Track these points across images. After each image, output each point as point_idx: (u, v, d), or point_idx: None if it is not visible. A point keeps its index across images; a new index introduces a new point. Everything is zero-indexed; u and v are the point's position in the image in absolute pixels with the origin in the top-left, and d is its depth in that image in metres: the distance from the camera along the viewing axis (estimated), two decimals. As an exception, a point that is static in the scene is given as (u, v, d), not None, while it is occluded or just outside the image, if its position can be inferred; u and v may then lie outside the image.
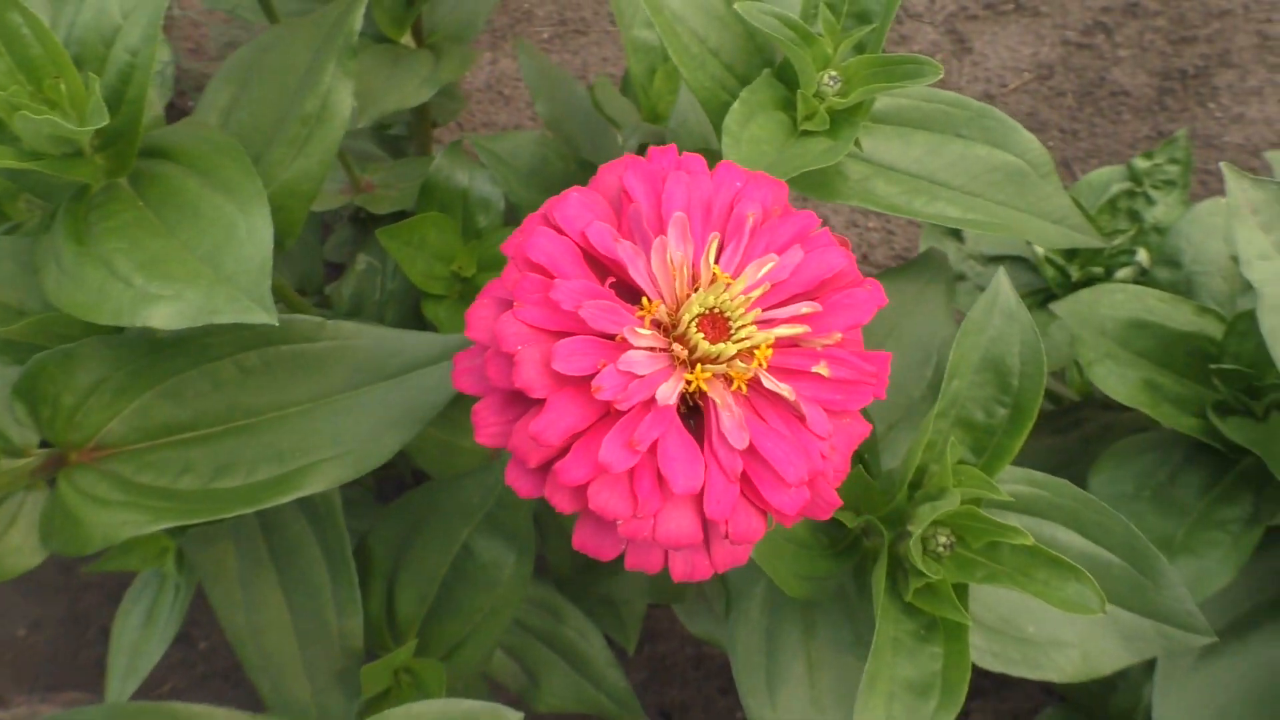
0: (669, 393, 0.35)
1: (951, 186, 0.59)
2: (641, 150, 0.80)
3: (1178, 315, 0.66)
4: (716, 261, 0.37)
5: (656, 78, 0.80)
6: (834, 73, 0.52)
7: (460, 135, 0.75)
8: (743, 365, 0.36)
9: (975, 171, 0.59)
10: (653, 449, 0.35)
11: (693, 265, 0.37)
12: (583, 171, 0.75)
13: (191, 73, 1.25)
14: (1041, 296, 0.85)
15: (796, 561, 0.52)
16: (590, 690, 0.77)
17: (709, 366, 0.36)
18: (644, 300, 0.36)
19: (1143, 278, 0.77)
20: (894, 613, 0.51)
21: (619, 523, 0.35)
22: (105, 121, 0.42)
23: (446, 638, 0.64)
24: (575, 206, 0.37)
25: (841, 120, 0.53)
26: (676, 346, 0.36)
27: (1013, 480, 0.56)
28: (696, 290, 0.37)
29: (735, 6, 0.49)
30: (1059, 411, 0.85)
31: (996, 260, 0.89)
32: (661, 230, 0.37)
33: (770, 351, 0.37)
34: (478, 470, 0.60)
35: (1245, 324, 0.64)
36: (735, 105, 0.50)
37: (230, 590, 0.63)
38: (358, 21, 0.54)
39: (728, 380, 0.37)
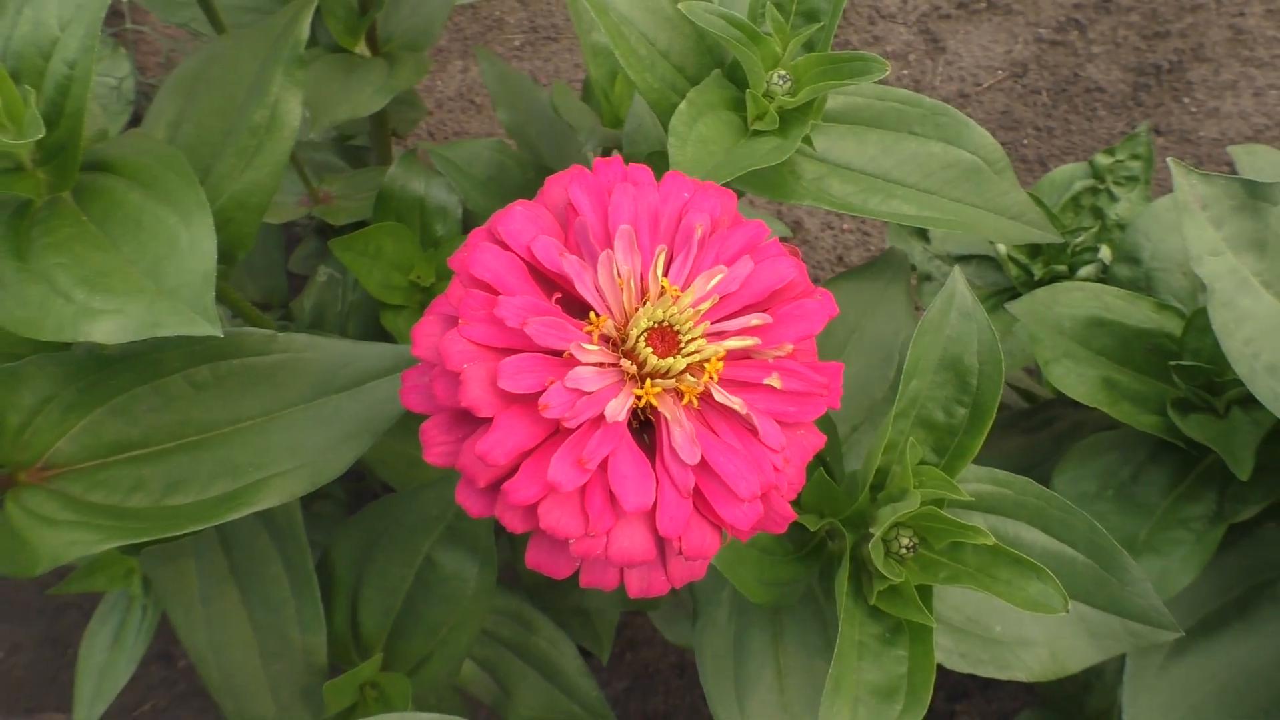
0: (618, 409, 0.35)
1: (906, 184, 0.59)
2: (607, 154, 0.79)
3: (1136, 312, 0.66)
4: (665, 274, 0.37)
5: (617, 83, 0.79)
6: (783, 72, 0.52)
7: (431, 145, 0.75)
8: (693, 379, 0.36)
9: (930, 169, 0.59)
10: (603, 466, 0.35)
11: (641, 278, 0.37)
12: (542, 179, 0.75)
13: (159, 87, 1.24)
14: (1007, 295, 0.85)
15: (760, 567, 0.51)
16: (563, 701, 0.76)
17: (659, 381, 0.36)
18: (591, 315, 0.36)
19: (1103, 275, 0.77)
20: (858, 616, 0.51)
21: (571, 542, 0.35)
22: (41, 134, 0.42)
23: (412, 652, 0.63)
24: (520, 221, 0.37)
25: (792, 119, 0.53)
26: (625, 362, 0.36)
27: (976, 479, 0.55)
28: (645, 304, 0.36)
29: (680, 6, 0.49)
30: (1031, 410, 0.85)
31: (963, 260, 0.89)
32: (608, 243, 0.37)
33: (721, 365, 0.36)
34: (436, 482, 0.60)
35: (1204, 320, 0.63)
36: (682, 106, 0.50)
37: (191, 608, 0.62)
38: (304, 30, 0.54)
39: (678, 394, 0.36)
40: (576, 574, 0.38)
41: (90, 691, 0.78)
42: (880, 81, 0.59)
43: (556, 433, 0.35)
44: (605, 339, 0.36)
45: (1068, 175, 0.84)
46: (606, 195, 0.37)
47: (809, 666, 0.58)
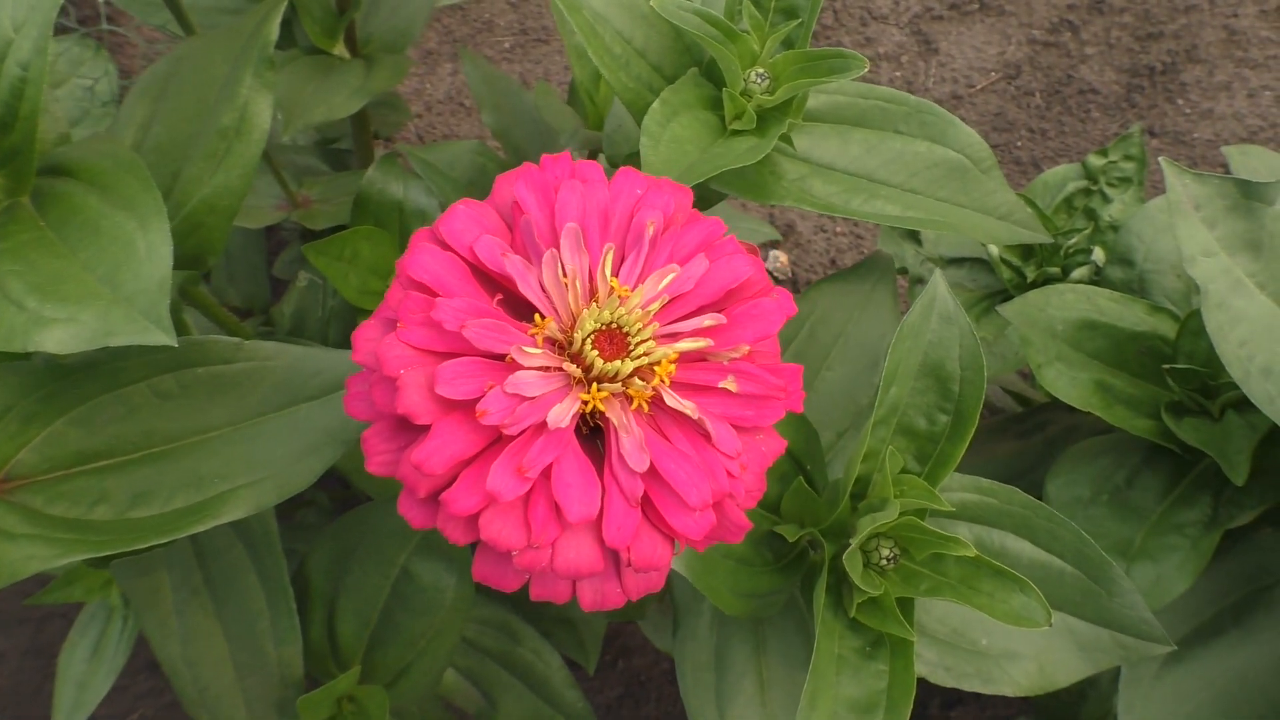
0: (562, 415, 0.33)
1: (891, 184, 0.57)
2: (592, 157, 0.78)
3: (1130, 315, 0.64)
4: (615, 274, 0.36)
5: (601, 84, 0.78)
6: (761, 70, 0.51)
7: (410, 147, 0.74)
8: (642, 383, 0.35)
9: (915, 168, 0.58)
10: (546, 474, 0.33)
11: (589, 278, 0.36)
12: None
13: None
14: (999, 298, 0.83)
15: (735, 578, 0.50)
16: (548, 712, 0.75)
17: (606, 385, 0.34)
18: (536, 317, 0.35)
19: (1097, 277, 0.75)
20: (837, 629, 0.49)
21: (515, 554, 0.34)
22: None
23: (390, 664, 0.62)
24: (463, 220, 0.36)
25: (770, 119, 0.51)
26: (571, 365, 0.34)
27: (960, 488, 0.54)
28: (593, 305, 0.35)
29: (652, 3, 0.48)
30: (1023, 414, 0.84)
31: (955, 262, 0.88)
32: (555, 243, 0.35)
33: (673, 368, 0.35)
34: (411, 491, 0.58)
35: (1198, 322, 0.62)
36: (655, 105, 0.49)
37: (165, 621, 0.61)
38: (274, 31, 0.53)
39: (627, 399, 0.35)
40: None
41: (69, 703, 0.77)
42: (867, 81, 0.58)
43: (498, 441, 0.33)
44: (550, 342, 0.35)
45: (1061, 176, 0.83)
46: (553, 192, 0.36)
47: (792, 679, 0.56)
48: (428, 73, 1.39)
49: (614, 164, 0.65)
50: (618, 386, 0.34)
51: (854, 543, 0.46)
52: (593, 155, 0.81)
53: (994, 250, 0.80)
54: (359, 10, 0.72)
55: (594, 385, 0.34)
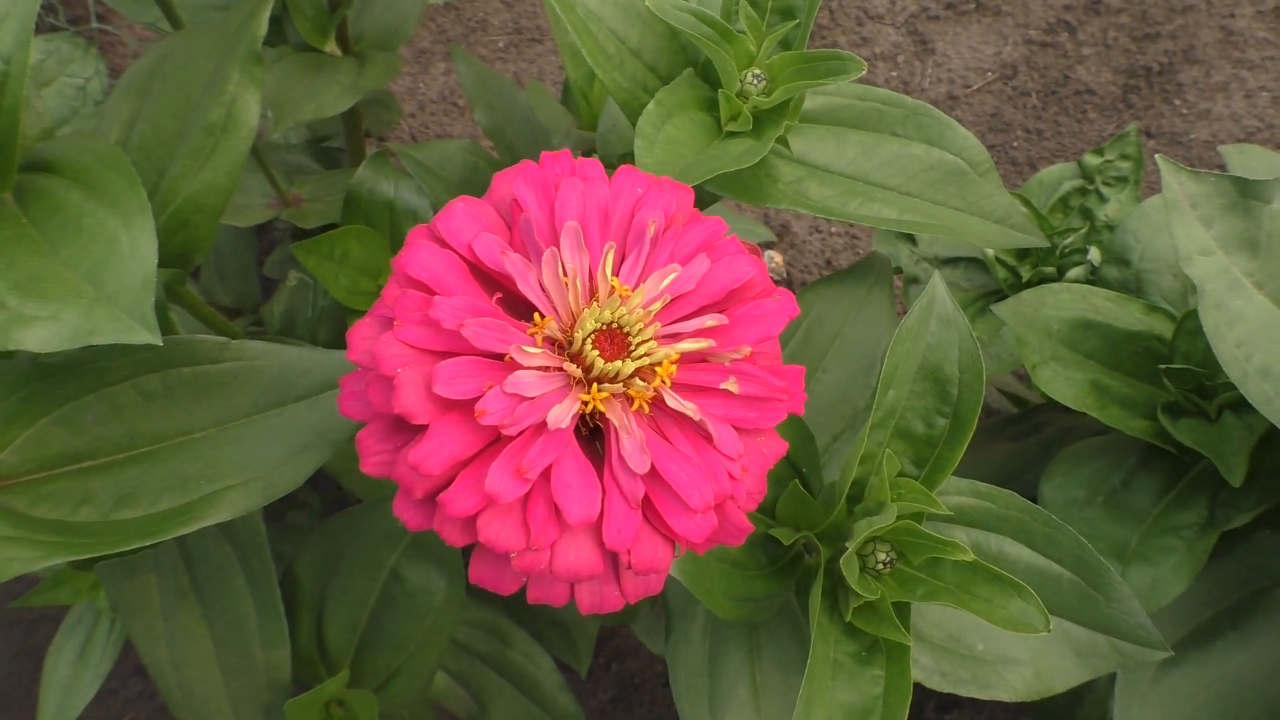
0: (562, 415, 0.33)
1: (888, 187, 0.57)
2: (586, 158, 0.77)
3: (1125, 314, 0.64)
4: (615, 273, 0.35)
5: (596, 84, 0.78)
6: (758, 71, 0.50)
7: (401, 146, 0.73)
8: (643, 384, 0.34)
9: (912, 171, 0.57)
10: (546, 476, 0.33)
11: (589, 278, 0.35)
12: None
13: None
14: (995, 298, 0.83)
15: (729, 582, 0.49)
16: (540, 715, 0.75)
17: (606, 386, 0.34)
18: (535, 317, 0.34)
19: (1093, 277, 0.75)
20: (834, 634, 0.49)
21: (513, 556, 0.33)
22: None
23: (380, 668, 0.61)
24: (461, 218, 0.35)
25: (767, 120, 0.51)
26: (571, 365, 0.34)
27: (957, 492, 0.53)
28: (593, 305, 0.35)
29: (647, 3, 0.47)
30: (1019, 415, 0.83)
31: (951, 262, 0.87)
32: (555, 241, 0.35)
33: (674, 368, 0.34)
34: (401, 493, 0.58)
35: (1195, 322, 0.62)
36: (650, 106, 0.48)
37: (151, 623, 0.60)
38: (262, 26, 0.52)
39: (628, 400, 0.34)
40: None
41: (55, 707, 0.76)
42: (863, 81, 0.57)
43: (497, 441, 0.33)
44: (550, 341, 0.34)
45: (1056, 176, 0.82)
46: (553, 190, 0.35)
47: (786, 685, 0.56)
48: (421, 72, 1.38)
49: (608, 164, 0.64)
50: (618, 387, 0.34)
51: (850, 547, 0.46)
52: (586, 155, 0.80)
53: (990, 250, 0.80)
54: (351, 7, 0.71)
55: (594, 386, 0.33)
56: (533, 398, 0.33)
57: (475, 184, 0.69)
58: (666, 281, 0.35)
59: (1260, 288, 0.55)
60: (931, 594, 0.47)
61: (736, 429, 0.35)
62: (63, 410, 0.47)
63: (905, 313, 0.55)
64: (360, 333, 0.35)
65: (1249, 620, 0.63)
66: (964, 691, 0.52)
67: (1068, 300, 0.65)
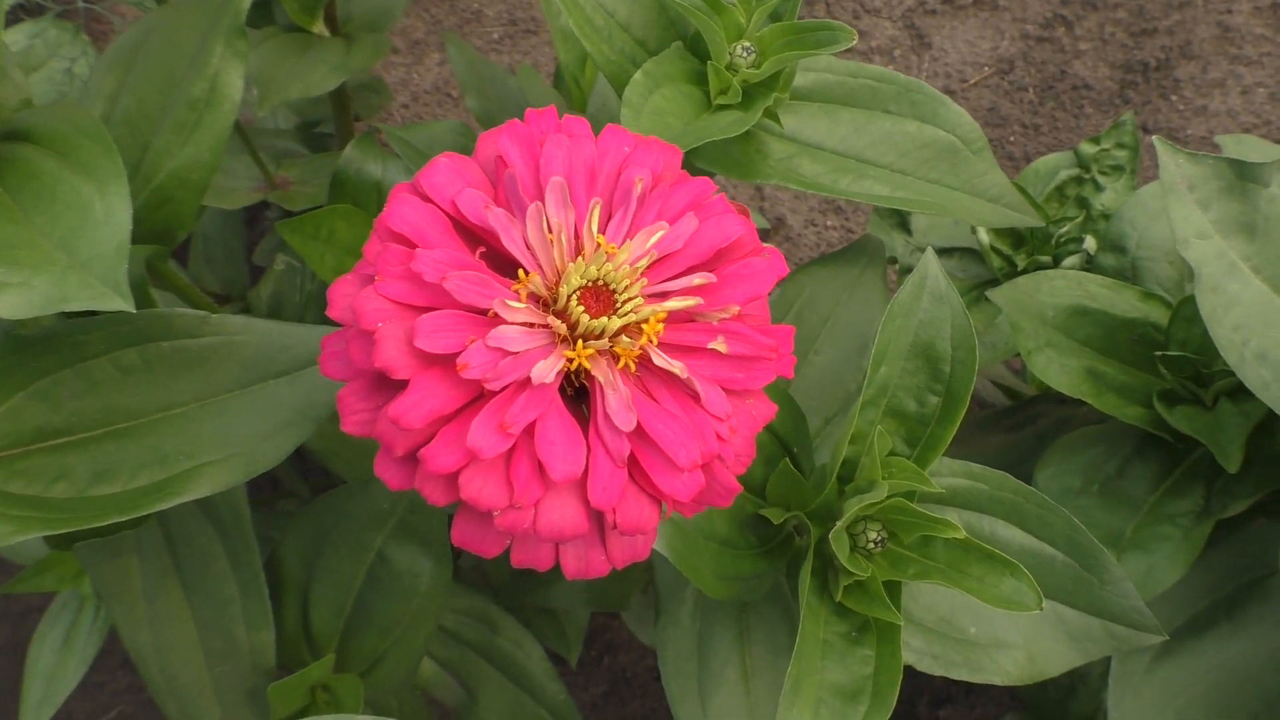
0: (546, 371, 0.32)
1: (880, 165, 0.56)
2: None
3: (1121, 301, 0.63)
4: (601, 230, 0.35)
5: (587, 68, 0.77)
6: (748, 43, 0.50)
7: (389, 127, 0.72)
8: (628, 341, 0.33)
9: (905, 149, 0.57)
10: (529, 432, 0.32)
11: (574, 234, 0.34)
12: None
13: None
14: (990, 288, 0.82)
15: (718, 561, 0.48)
16: (529, 704, 0.74)
17: (592, 343, 0.33)
18: (520, 273, 0.33)
19: (1088, 265, 0.74)
20: (823, 614, 0.48)
21: (496, 514, 0.32)
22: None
23: (366, 652, 0.60)
24: (445, 173, 0.35)
25: (756, 94, 0.50)
26: (556, 321, 0.33)
27: (950, 473, 0.53)
28: (578, 261, 0.34)
29: (634, -28, 0.46)
30: (1013, 408, 0.83)
31: (945, 252, 0.87)
32: (540, 198, 0.34)
33: (661, 327, 0.34)
34: (386, 473, 0.57)
35: (1191, 309, 0.61)
36: (637, 76, 0.47)
37: (133, 606, 0.59)
38: (246, 0, 0.51)
39: (614, 358, 0.34)
40: (548, 569, 0.35)
41: (39, 694, 0.75)
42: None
43: (480, 398, 0.32)
44: (534, 298, 0.33)
45: (1052, 165, 0.82)
46: (538, 147, 0.35)
47: (776, 668, 0.55)
48: (414, 63, 1.38)
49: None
50: (604, 344, 0.33)
51: (840, 523, 0.45)
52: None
53: (984, 239, 0.79)
54: (339, -13, 0.71)
55: (579, 343, 0.33)
56: (516, 353, 0.32)
57: (465, 165, 0.68)
58: (654, 239, 0.34)
59: (1257, 272, 0.55)
60: (923, 573, 0.47)
61: (725, 390, 0.35)
62: (39, 384, 0.46)
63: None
64: (341, 289, 0.34)
65: (1244, 609, 0.62)
66: (955, 675, 0.51)
67: (1063, 287, 0.64)
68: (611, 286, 0.34)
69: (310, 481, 0.89)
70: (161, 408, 0.47)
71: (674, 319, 0.35)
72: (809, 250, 1.27)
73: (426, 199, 0.34)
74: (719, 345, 0.35)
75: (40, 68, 0.92)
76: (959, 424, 0.49)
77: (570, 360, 0.33)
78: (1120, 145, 0.80)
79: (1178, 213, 0.54)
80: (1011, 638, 0.52)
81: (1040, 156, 1.32)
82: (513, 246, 0.33)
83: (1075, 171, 0.81)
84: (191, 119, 0.52)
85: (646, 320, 0.34)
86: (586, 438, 0.33)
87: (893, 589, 0.47)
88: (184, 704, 0.59)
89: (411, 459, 0.33)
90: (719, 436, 0.34)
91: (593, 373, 0.33)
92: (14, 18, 1.14)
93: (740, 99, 0.51)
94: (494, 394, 0.32)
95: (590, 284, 0.34)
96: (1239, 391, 0.61)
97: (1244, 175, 0.55)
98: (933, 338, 0.50)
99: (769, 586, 0.53)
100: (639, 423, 0.33)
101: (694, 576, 0.47)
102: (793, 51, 0.49)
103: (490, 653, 0.73)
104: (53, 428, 0.47)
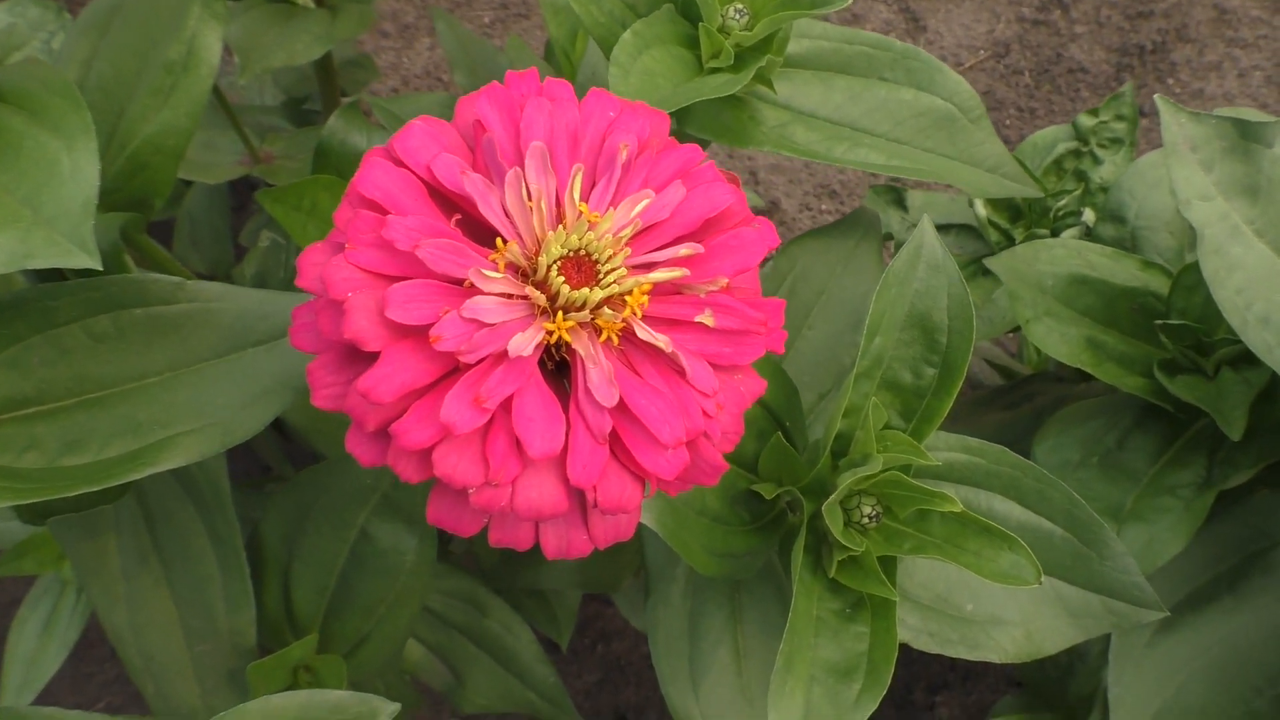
0: (524, 344, 0.31)
1: (875, 133, 0.55)
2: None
3: (1121, 271, 0.62)
4: (584, 198, 0.33)
5: (578, 41, 0.75)
6: (740, 5, 0.48)
7: (375, 98, 0.71)
8: (611, 313, 0.32)
9: (901, 117, 0.55)
10: (506, 407, 0.31)
11: (555, 202, 0.33)
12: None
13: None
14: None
15: (709, 536, 0.47)
16: (518, 687, 0.73)
17: (572, 315, 0.32)
18: (498, 242, 0.32)
19: (1087, 237, 0.73)
20: (817, 590, 0.47)
21: (471, 491, 0.31)
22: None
23: (349, 632, 0.59)
24: (420, 137, 0.33)
25: (749, 58, 0.49)
26: (535, 292, 0.32)
27: (946, 448, 0.52)
28: (560, 230, 0.33)
29: (622, -72, 0.45)
30: (1011, 386, 0.82)
31: (943, 229, 0.85)
32: (519, 163, 0.33)
33: (645, 299, 0.32)
34: (370, 448, 0.55)
35: (1192, 277, 0.60)
36: (626, 35, 0.46)
37: (111, 585, 0.58)
38: (223, -41, 0.50)
39: (596, 331, 0.32)
40: (536, 550, 0.34)
41: (19, 679, 0.74)
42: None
43: (454, 371, 0.31)
44: (513, 268, 0.32)
45: (1050, 138, 0.80)
46: (519, 111, 0.33)
47: (769, 648, 0.54)
48: (405, 47, 1.36)
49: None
50: (585, 315, 0.31)
51: (834, 495, 0.44)
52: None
53: (981, 213, 0.78)
54: (323, -45, 0.69)
55: (559, 314, 0.31)
56: (493, 324, 0.30)
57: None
58: (639, 208, 0.33)
59: (1260, 235, 0.54)
60: (919, 548, 0.46)
61: (712, 365, 0.33)
62: (9, 352, 0.45)
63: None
64: (311, 258, 0.33)
65: (1246, 582, 0.61)
66: (951, 652, 0.50)
67: (1062, 256, 0.63)
68: (594, 257, 0.32)
69: (297, 465, 0.88)
70: (135, 376, 0.46)
71: (659, 291, 0.33)
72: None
73: (400, 164, 0.33)
74: (706, 319, 0.33)
75: (23, 47, 0.90)
76: (955, 396, 0.48)
77: (550, 333, 0.32)
78: (1119, 117, 0.78)
79: (1180, 174, 0.53)
80: (1009, 615, 0.51)
81: (1037, 140, 1.31)
82: (490, 214, 0.32)
83: (1073, 144, 0.80)
84: (168, 83, 0.50)
85: (630, 292, 0.32)
86: (566, 413, 0.32)
87: (888, 564, 0.46)
88: (162, 684, 0.58)
89: (384, 434, 0.32)
90: (705, 413, 0.33)
91: (573, 346, 0.32)
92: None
93: (732, 62, 0.49)
94: (469, 367, 0.31)
95: (571, 254, 0.32)
96: (1241, 360, 0.60)
97: (1247, 135, 0.54)
98: (929, 308, 0.49)
99: (761, 565, 0.52)
100: (621, 398, 0.31)
101: (684, 552, 0.45)
102: (786, 12, 0.48)
103: (478, 635, 0.72)
104: (23, 396, 0.45)
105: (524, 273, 0.32)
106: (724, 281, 0.34)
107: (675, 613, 0.54)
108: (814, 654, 0.45)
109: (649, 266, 0.33)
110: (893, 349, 0.49)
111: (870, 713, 0.43)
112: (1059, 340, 0.60)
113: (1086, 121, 0.79)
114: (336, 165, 0.63)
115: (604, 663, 1.10)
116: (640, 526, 0.55)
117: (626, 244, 0.33)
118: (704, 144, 0.57)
